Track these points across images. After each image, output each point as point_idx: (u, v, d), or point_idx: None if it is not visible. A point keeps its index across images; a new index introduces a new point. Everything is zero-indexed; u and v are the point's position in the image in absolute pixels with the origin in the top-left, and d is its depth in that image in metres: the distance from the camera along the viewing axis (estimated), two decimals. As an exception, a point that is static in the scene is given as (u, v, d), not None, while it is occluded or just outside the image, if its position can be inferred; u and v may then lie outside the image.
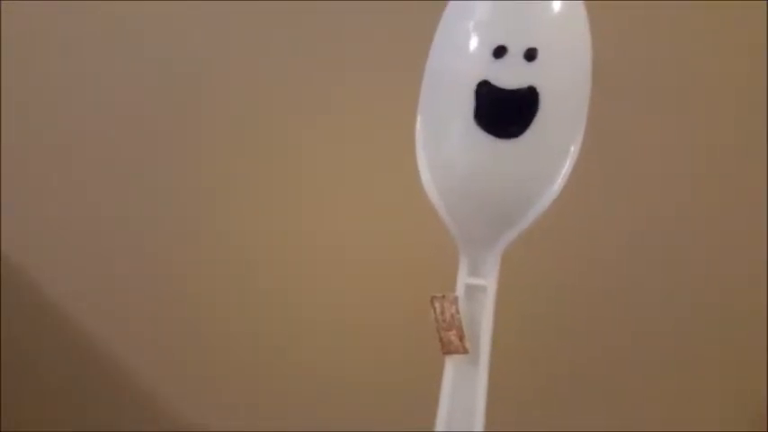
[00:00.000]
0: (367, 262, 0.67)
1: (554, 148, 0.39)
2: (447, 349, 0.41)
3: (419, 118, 0.41)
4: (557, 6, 0.39)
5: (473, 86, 0.39)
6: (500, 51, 0.39)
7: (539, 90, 0.38)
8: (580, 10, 0.39)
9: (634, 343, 0.66)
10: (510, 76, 0.39)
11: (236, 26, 0.67)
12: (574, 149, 0.39)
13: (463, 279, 0.42)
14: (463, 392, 0.42)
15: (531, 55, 0.38)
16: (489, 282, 0.41)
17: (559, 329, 0.66)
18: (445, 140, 0.40)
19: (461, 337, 0.41)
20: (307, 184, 0.68)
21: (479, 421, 0.42)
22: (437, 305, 0.41)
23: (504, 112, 0.39)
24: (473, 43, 0.39)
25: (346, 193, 0.67)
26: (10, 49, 0.68)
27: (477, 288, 0.41)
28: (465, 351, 0.41)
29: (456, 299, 0.41)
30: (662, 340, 0.66)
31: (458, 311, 0.41)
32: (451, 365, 0.42)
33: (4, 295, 0.69)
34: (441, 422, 0.42)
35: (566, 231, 0.63)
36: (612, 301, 0.66)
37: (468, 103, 0.39)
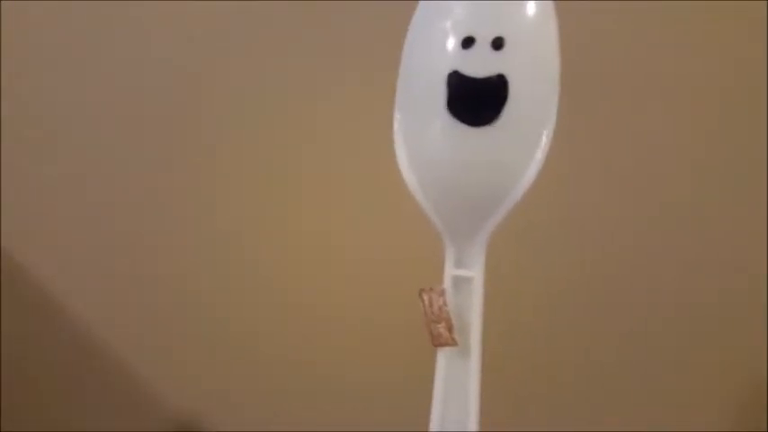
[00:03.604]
0: (354, 258, 0.67)
1: (526, 135, 0.40)
2: (437, 342, 0.42)
3: (396, 115, 0.42)
4: None
5: (444, 78, 0.40)
6: (468, 42, 0.40)
7: (507, 78, 0.40)
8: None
9: (630, 336, 0.66)
10: (479, 65, 0.40)
11: (234, 26, 0.67)
12: (546, 136, 0.40)
13: (450, 271, 0.42)
14: (456, 384, 0.42)
15: (498, 44, 0.40)
16: (476, 272, 0.42)
17: (553, 324, 0.66)
18: (422, 134, 0.42)
19: (450, 329, 0.41)
20: (294, 183, 0.68)
21: (474, 412, 0.42)
22: (425, 298, 0.42)
23: (475, 99, 0.40)
24: (443, 37, 0.41)
25: (332, 191, 0.67)
26: (10, 49, 0.68)
27: (464, 279, 0.42)
28: (454, 343, 0.41)
29: (443, 291, 0.42)
30: (659, 338, 0.66)
31: (446, 303, 0.41)
32: (443, 358, 0.42)
33: (4, 295, 0.69)
34: (435, 414, 0.42)
35: (557, 224, 0.63)
36: (606, 292, 0.66)
37: (441, 95, 0.40)
